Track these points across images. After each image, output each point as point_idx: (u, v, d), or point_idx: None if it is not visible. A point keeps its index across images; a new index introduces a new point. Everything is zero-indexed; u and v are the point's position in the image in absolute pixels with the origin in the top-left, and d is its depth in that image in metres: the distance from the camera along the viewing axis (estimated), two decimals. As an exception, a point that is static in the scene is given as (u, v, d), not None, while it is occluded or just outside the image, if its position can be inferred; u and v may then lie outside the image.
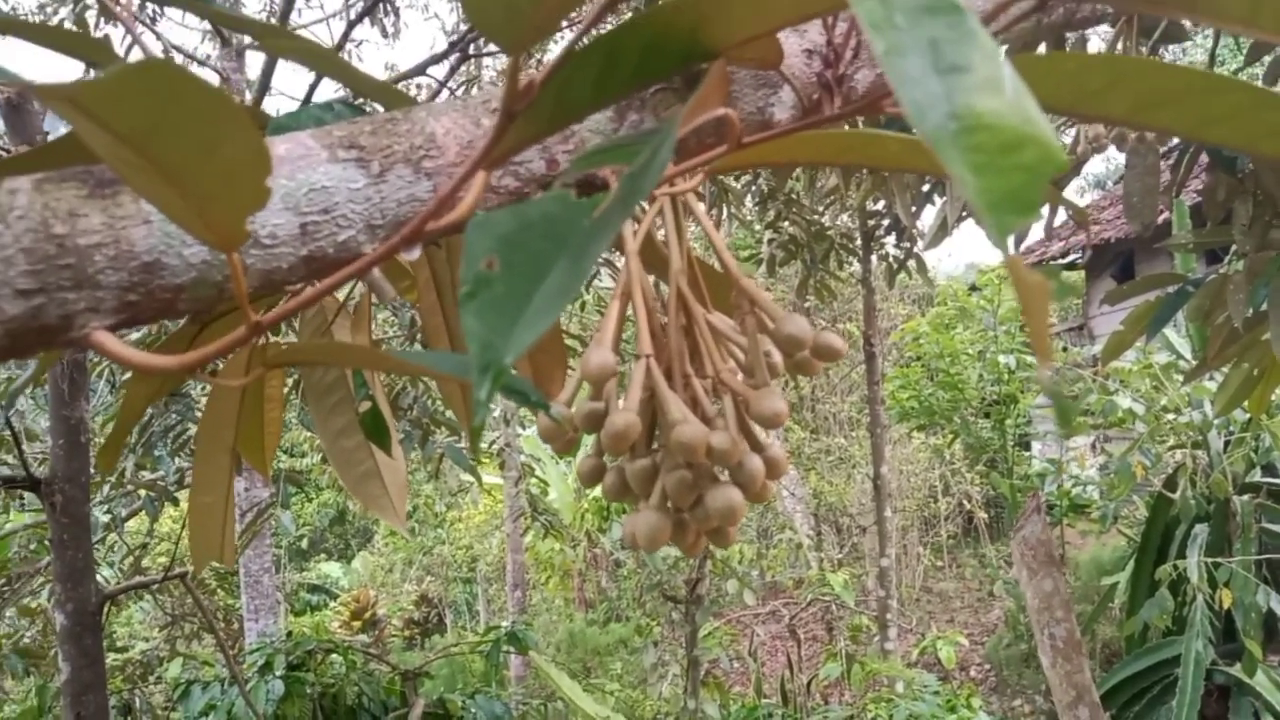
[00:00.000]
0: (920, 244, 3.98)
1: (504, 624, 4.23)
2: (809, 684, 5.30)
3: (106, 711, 2.14)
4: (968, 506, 6.81)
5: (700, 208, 0.49)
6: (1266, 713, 2.59)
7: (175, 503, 3.89)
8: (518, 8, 0.26)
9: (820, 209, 4.43)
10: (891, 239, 4.47)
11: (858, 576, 6.82)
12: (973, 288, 6.20)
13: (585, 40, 0.29)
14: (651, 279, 0.52)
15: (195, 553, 0.76)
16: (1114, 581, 3.99)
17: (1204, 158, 1.48)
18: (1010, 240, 0.23)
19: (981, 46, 0.24)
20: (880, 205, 4.04)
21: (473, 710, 4.27)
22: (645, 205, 0.49)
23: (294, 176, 0.40)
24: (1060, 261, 8.26)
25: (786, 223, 4.40)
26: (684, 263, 0.48)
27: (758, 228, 4.71)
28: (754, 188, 4.08)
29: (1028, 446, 6.53)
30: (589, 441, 0.49)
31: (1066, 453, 4.86)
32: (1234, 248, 1.66)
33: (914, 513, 7.25)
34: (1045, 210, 1.69)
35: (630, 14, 0.30)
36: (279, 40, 0.53)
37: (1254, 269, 1.57)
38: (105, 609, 2.08)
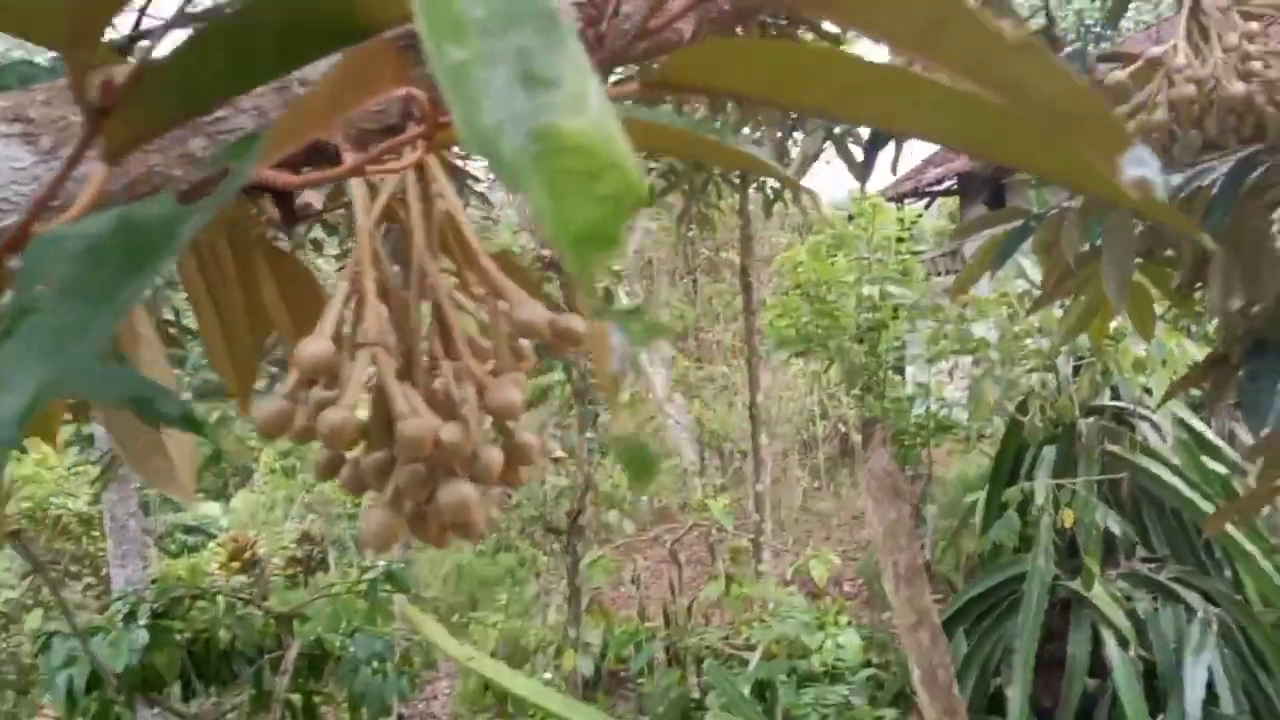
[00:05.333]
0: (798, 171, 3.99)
1: (379, 563, 4.19)
2: (690, 606, 5.44)
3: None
4: (843, 429, 7.04)
5: (444, 179, 0.46)
6: (1102, 623, 2.78)
7: (23, 452, 3.70)
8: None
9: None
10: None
11: (739, 500, 6.99)
12: (851, 216, 6.28)
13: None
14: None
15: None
16: (975, 499, 4.17)
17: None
18: (589, 264, 0.21)
19: (571, 57, 0.21)
20: (758, 135, 4.03)
21: (351, 649, 4.23)
22: (380, 178, 0.45)
23: (-66, 157, 0.35)
24: (937, 188, 8.43)
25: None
26: (428, 239, 0.45)
27: (634, 157, 4.65)
28: (627, 117, 4.02)
29: (902, 371, 6.73)
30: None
31: (934, 377, 5.04)
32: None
33: (793, 436, 7.43)
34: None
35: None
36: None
37: (1089, 205, 1.61)
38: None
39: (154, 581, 4.60)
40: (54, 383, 0.20)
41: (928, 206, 9.00)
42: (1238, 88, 0.86)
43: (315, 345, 0.40)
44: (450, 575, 7.18)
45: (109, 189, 0.41)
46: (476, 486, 0.42)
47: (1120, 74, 0.95)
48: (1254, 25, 0.87)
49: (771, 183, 4.58)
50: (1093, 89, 0.19)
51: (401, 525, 0.42)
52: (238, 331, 0.64)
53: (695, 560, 7.21)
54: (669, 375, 7.85)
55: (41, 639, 3.94)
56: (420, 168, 0.47)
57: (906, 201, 8.44)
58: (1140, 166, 0.19)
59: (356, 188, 0.46)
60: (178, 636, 3.97)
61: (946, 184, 8.45)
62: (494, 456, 0.42)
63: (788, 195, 4.55)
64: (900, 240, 5.64)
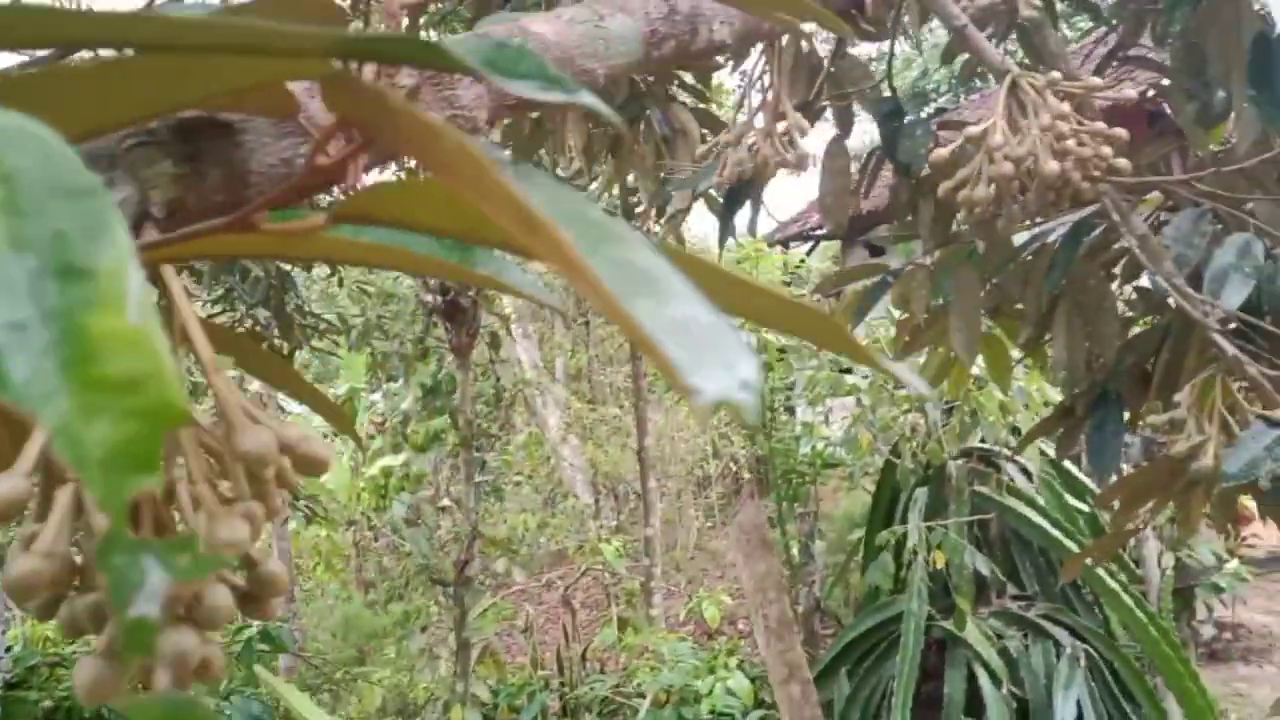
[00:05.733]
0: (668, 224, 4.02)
1: (253, 623, 4.02)
2: (584, 653, 5.36)
3: None
4: (735, 468, 7.09)
5: (178, 285, 0.43)
6: (976, 662, 2.84)
7: None
8: None
9: (584, 186, 4.40)
10: (654, 214, 4.51)
11: (634, 541, 6.95)
12: (739, 261, 6.38)
13: None
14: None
15: None
16: (859, 536, 4.24)
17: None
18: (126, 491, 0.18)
19: (114, 244, 0.19)
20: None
21: (227, 712, 4.04)
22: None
23: None
24: (819, 232, 8.64)
25: (548, 197, 4.35)
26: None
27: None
28: (509, 163, 4.00)
29: (794, 411, 6.84)
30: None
31: (815, 417, 5.13)
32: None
33: (686, 476, 7.45)
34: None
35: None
36: None
37: (939, 263, 1.66)
38: None
39: (9, 649, 4.30)
40: None
41: (810, 251, 9.22)
42: (1052, 166, 0.89)
43: (6, 484, 0.36)
44: (338, 628, 6.93)
45: None
46: (200, 632, 0.39)
47: (943, 152, 0.97)
48: (1065, 106, 0.90)
49: (656, 229, 4.62)
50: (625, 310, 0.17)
51: (119, 676, 0.38)
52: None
53: (591, 603, 7.13)
54: (562, 417, 7.81)
55: (-124, 715, 3.66)
56: (153, 273, 0.44)
57: (792, 245, 8.62)
58: (710, 386, 0.18)
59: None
60: (37, 706, 3.73)
61: (827, 228, 8.64)
62: (221, 598, 0.39)
63: (670, 241, 4.58)
64: (787, 284, 5.75)
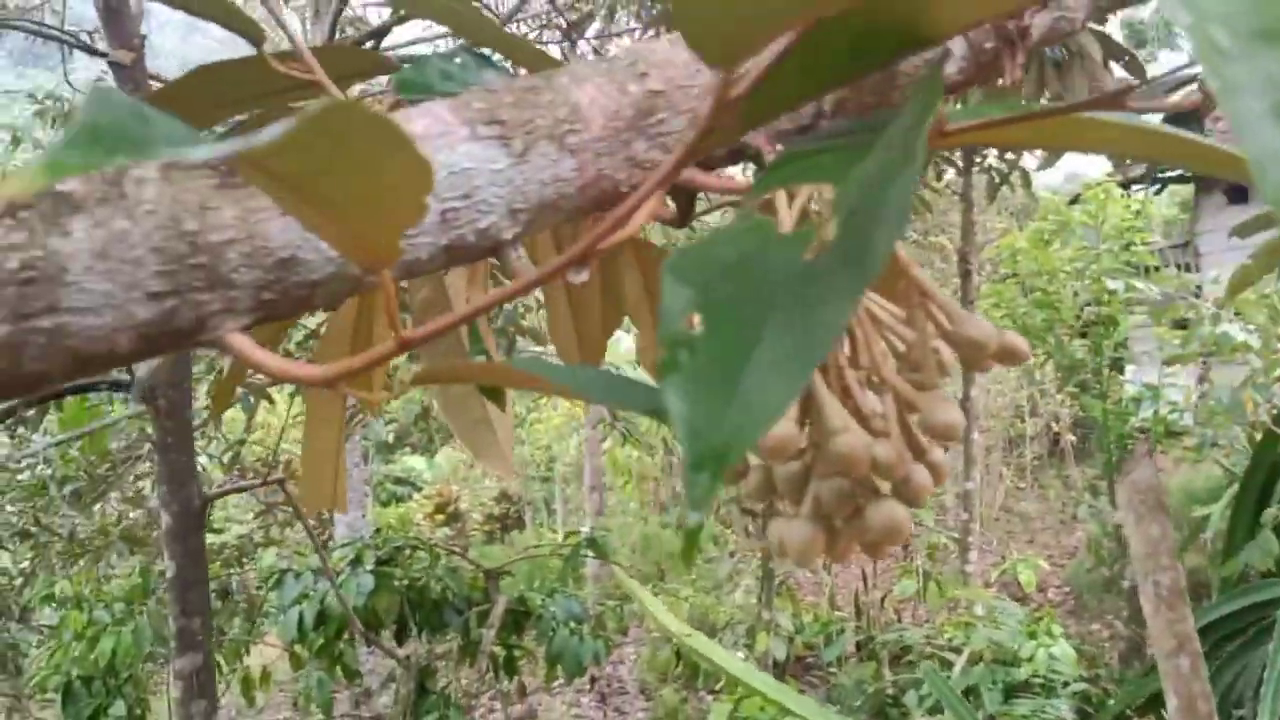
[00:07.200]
0: (1026, 156, 3.78)
1: (583, 529, 4.31)
2: (883, 600, 5.32)
3: (208, 604, 2.23)
4: (1055, 428, 6.66)
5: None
6: (1369, 661, 2.50)
7: (270, 401, 4.01)
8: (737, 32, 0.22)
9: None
10: (994, 149, 4.26)
11: (937, 495, 6.75)
12: (1073, 200, 5.92)
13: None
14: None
15: (309, 499, 0.75)
16: (1206, 513, 3.87)
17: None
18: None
19: None
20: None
21: (551, 609, 4.38)
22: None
23: (433, 159, 0.36)
24: (1169, 174, 7.84)
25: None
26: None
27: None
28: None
29: (1121, 369, 6.32)
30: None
31: (1164, 377, 4.68)
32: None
33: (999, 433, 7.11)
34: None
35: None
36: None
37: None
38: (207, 509, 2.15)
39: (378, 530, 4.89)
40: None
41: (1158, 193, 8.37)
42: None
43: (783, 428, 0.39)
44: (638, 545, 7.29)
45: (567, 190, 0.42)
46: (907, 508, 0.41)
47: None
48: None
49: (996, 164, 4.36)
50: None
51: (823, 539, 0.41)
52: (589, 322, 0.65)
53: (888, 553, 7.04)
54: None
55: (274, 576, 4.25)
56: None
57: (1134, 187, 7.88)
58: None
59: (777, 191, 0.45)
60: (396, 583, 4.20)
61: (1179, 170, 7.81)
62: (924, 479, 0.41)
63: (1014, 178, 4.33)
64: (1138, 231, 5.26)
